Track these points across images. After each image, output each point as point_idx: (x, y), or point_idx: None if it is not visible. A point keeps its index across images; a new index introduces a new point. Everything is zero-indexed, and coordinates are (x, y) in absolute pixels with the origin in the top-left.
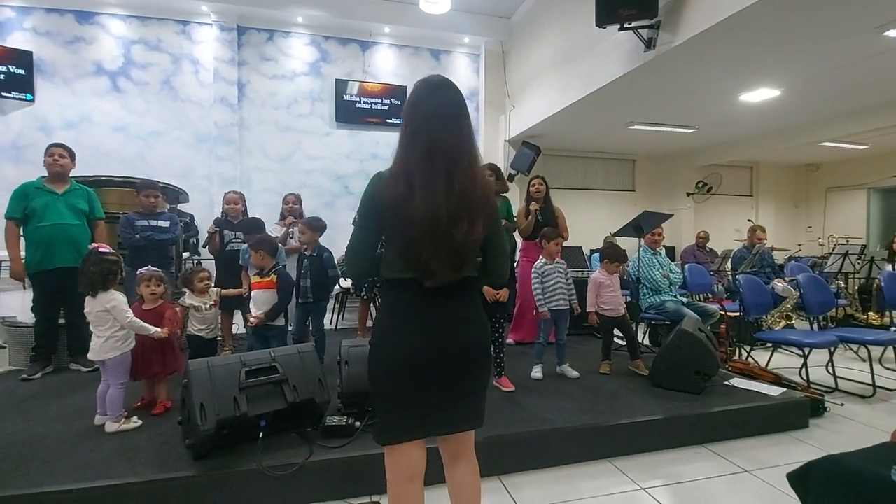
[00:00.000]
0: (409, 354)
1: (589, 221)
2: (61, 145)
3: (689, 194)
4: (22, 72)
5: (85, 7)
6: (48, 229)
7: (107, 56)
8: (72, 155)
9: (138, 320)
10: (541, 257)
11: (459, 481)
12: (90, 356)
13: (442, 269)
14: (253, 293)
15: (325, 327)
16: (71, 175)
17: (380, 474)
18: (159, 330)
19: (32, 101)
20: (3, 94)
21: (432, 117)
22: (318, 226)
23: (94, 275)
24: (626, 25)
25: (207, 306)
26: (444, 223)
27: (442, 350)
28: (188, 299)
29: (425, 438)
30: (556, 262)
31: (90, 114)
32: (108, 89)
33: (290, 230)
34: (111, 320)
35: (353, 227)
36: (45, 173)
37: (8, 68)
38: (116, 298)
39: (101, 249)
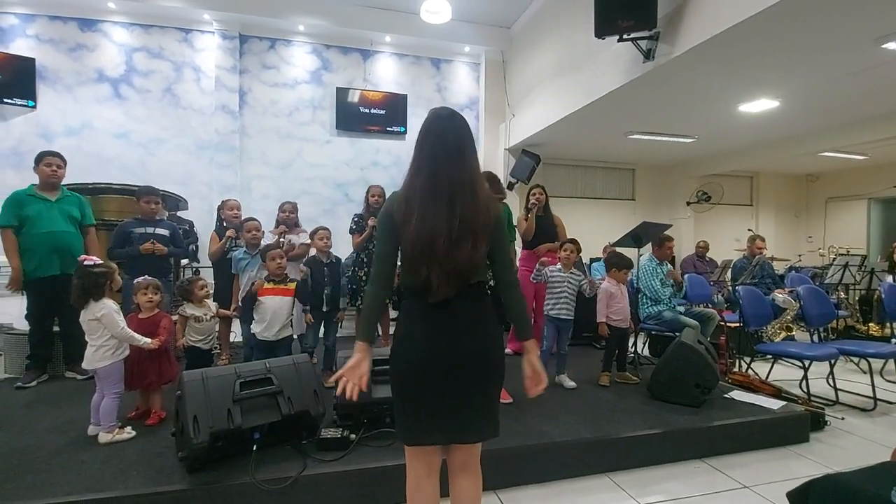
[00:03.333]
0: (421, 360)
1: (589, 230)
2: (58, 154)
3: (688, 203)
4: (23, 78)
5: (88, 15)
6: (43, 237)
7: (109, 63)
8: (65, 163)
9: (129, 330)
10: (557, 264)
11: (463, 491)
12: (84, 365)
13: (442, 287)
14: (263, 299)
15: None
16: (70, 182)
17: (374, 488)
18: (149, 340)
19: (34, 107)
20: (5, 100)
21: (437, 150)
22: None
23: (77, 288)
24: (624, 37)
25: (208, 317)
26: (442, 246)
27: (450, 356)
28: (188, 309)
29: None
30: (571, 273)
31: (91, 120)
32: (109, 96)
33: (282, 239)
34: (102, 329)
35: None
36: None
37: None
38: (107, 307)
39: (86, 262)
